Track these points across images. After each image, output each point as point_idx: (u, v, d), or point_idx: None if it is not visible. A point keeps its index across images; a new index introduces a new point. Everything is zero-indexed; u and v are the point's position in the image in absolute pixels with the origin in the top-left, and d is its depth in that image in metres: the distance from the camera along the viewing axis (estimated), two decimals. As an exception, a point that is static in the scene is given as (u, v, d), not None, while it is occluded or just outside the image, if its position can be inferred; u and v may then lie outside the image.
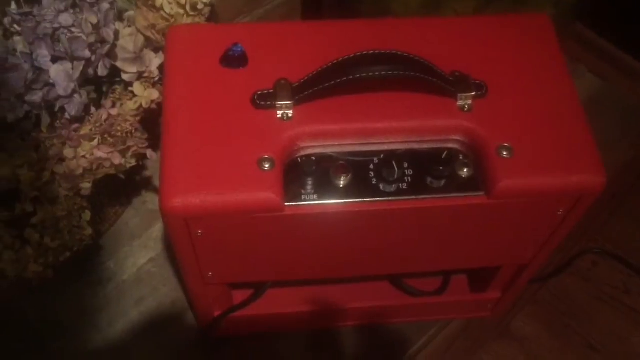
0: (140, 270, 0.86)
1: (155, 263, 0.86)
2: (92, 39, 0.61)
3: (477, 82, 0.57)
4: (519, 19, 0.63)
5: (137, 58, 0.68)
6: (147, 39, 0.69)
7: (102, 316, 0.82)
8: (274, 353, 0.81)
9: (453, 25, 0.63)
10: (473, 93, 0.57)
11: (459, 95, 0.57)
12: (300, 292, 0.76)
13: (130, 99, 0.68)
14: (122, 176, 0.68)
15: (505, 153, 0.55)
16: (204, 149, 0.54)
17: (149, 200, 0.91)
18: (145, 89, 0.67)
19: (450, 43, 0.61)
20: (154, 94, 0.67)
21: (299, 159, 0.56)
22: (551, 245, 0.64)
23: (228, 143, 0.54)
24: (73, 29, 0.60)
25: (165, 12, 0.67)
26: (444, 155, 0.56)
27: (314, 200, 0.54)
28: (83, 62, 0.60)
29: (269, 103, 0.56)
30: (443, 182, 0.56)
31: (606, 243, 1.03)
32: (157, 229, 0.89)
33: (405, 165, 0.56)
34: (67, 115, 0.62)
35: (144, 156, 0.69)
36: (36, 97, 0.59)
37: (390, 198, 0.55)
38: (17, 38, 0.61)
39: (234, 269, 0.62)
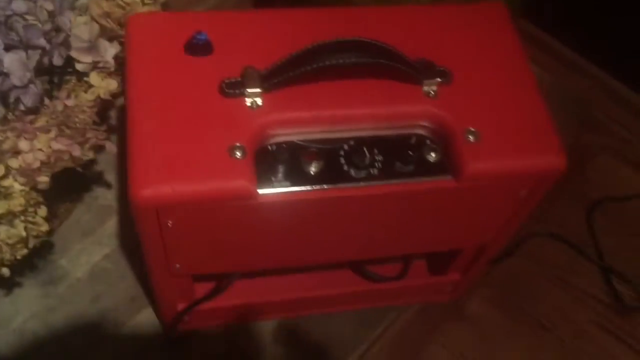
0: (95, 267, 0.83)
1: (110, 259, 0.84)
2: (47, 27, 0.58)
3: (442, 68, 0.58)
4: (476, 7, 0.65)
5: (92, 47, 0.66)
6: (101, 27, 0.67)
7: (57, 316, 0.79)
8: (238, 346, 0.80)
9: (414, 14, 0.64)
10: (438, 79, 0.58)
11: (425, 81, 0.58)
12: (264, 283, 0.76)
13: (86, 90, 0.66)
14: (79, 169, 0.65)
15: (471, 137, 0.56)
16: (172, 138, 0.52)
17: (101, 196, 0.89)
18: (103, 79, 0.65)
19: (412, 31, 0.62)
20: (112, 84, 0.65)
21: (269, 147, 0.55)
22: (512, 226, 0.66)
23: (197, 132, 0.53)
24: (27, 17, 0.57)
25: (121, 0, 0.65)
26: (412, 141, 0.57)
27: (286, 187, 0.54)
28: (39, 51, 0.58)
29: (237, 91, 0.55)
30: (412, 167, 0.57)
31: (551, 227, 1.07)
32: (111, 225, 0.86)
33: (375, 151, 0.56)
34: (21, 107, 0.59)
35: (103, 148, 0.66)
36: (-12, 87, 0.57)
37: (361, 184, 0.56)
38: (-35, 26, 0.58)
39: (203, 260, 0.61)
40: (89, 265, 0.83)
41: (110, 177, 0.89)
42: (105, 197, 0.88)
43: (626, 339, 0.96)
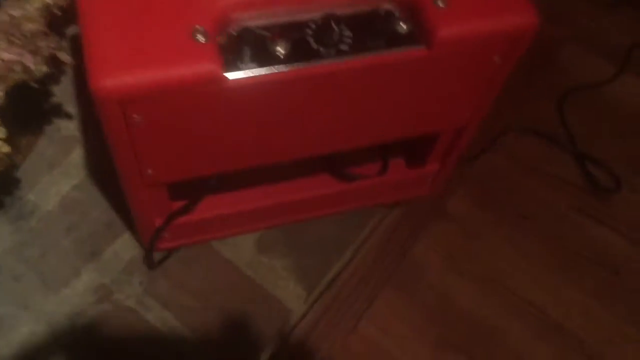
0: (65, 199, 0.80)
1: (80, 189, 0.81)
2: None
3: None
4: None
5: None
6: None
7: (32, 251, 0.76)
8: (221, 259, 0.79)
9: None
10: (401, -53, 0.55)
11: (388, -49, 0.55)
12: (241, 194, 0.74)
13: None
14: (35, 85, 0.62)
15: (440, 3, 0.54)
16: (131, 25, 0.49)
17: (63, 127, 0.85)
18: (48, -14, 0.61)
19: None
20: (59, -7, 0.61)
21: (233, 32, 0.53)
22: (487, 101, 0.65)
23: (157, 17, 0.50)
24: None
25: None
26: (381, 14, 0.55)
27: (254, 69, 0.52)
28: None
29: (194, -26, 0.52)
30: (383, 40, 0.55)
31: (524, 121, 1.06)
32: (77, 155, 0.83)
33: (344, 27, 0.54)
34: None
35: (58, 62, 0.63)
36: None
37: (332, 60, 0.53)
38: None
39: (175, 163, 0.59)
40: (59, 197, 0.80)
41: (70, 108, 0.86)
42: (67, 128, 0.85)
43: (604, 220, 0.97)
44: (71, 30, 0.71)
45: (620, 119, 1.09)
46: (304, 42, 0.54)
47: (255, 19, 0.54)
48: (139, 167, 0.58)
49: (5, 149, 0.61)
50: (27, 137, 0.81)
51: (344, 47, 0.54)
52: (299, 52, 0.53)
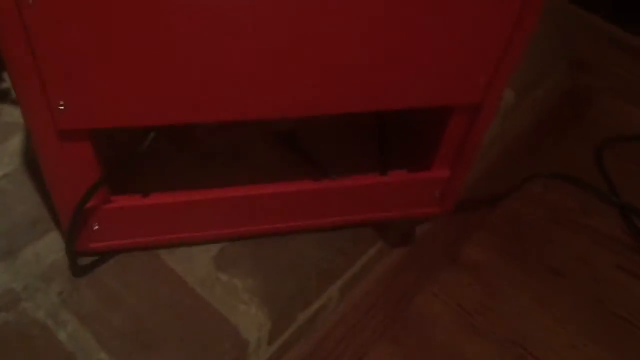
0: (-10, 188, 0.66)
1: (10, 179, 0.67)
2: None
3: None
4: None
5: None
6: None
7: None
8: (167, 272, 0.62)
9: None
10: None
11: None
12: (199, 185, 0.59)
13: None
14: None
15: None
16: None
17: (6, 113, 0.72)
18: None
19: None
20: None
21: None
22: (504, 68, 0.50)
23: None
24: None
25: None
26: None
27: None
28: None
29: None
30: None
31: (555, 167, 0.91)
32: (15, 142, 0.70)
33: None
34: None
35: None
36: None
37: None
38: None
39: (94, 94, 0.45)
40: (-18, 186, 0.66)
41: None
42: (11, 114, 0.72)
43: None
44: None
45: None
46: None
47: None
48: (47, 97, 0.44)
49: None
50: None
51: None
52: None
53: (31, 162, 0.68)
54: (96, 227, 0.57)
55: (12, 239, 0.62)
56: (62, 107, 0.45)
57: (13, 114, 0.72)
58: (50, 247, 0.62)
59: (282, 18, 0.44)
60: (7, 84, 0.74)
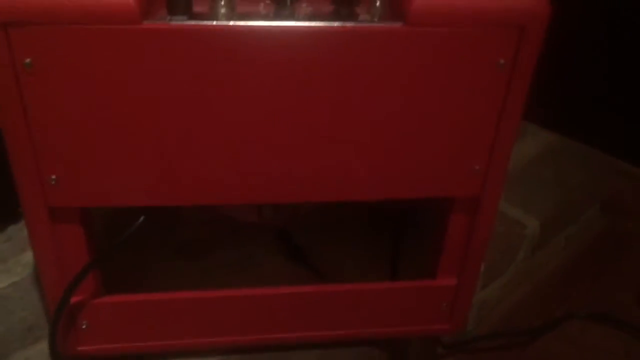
0: (-5, 295, 0.66)
1: (16, 287, 0.67)
2: None
3: None
4: None
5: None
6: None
7: None
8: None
9: None
10: None
11: None
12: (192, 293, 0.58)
13: None
14: None
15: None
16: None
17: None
18: None
19: None
20: None
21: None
22: (504, 146, 0.50)
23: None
24: None
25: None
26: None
27: (182, 20, 0.42)
28: None
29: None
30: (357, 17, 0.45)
31: (594, 308, 0.85)
32: (30, 255, 0.71)
33: (303, -1, 0.45)
34: None
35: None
36: None
37: (282, 23, 0.43)
38: None
39: (85, 170, 0.46)
40: (-12, 293, 0.66)
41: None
42: (31, 229, 0.74)
43: None
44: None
45: None
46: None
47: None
48: (39, 169, 0.46)
49: None
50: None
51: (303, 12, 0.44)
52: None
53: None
54: (85, 325, 0.55)
55: (4, 343, 0.61)
56: (54, 182, 0.47)
57: (34, 230, 0.74)
58: (42, 354, 0.60)
59: (283, 111, 0.46)
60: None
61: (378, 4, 0.45)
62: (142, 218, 0.51)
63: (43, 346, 0.61)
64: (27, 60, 0.41)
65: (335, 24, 0.43)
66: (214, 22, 0.42)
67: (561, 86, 1.02)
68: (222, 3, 0.43)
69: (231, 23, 0.42)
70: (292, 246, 0.67)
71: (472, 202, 0.54)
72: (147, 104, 0.44)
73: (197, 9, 0.43)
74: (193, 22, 0.42)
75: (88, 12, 0.40)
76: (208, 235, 0.69)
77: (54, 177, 0.47)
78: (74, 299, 0.54)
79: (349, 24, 0.43)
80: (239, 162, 0.48)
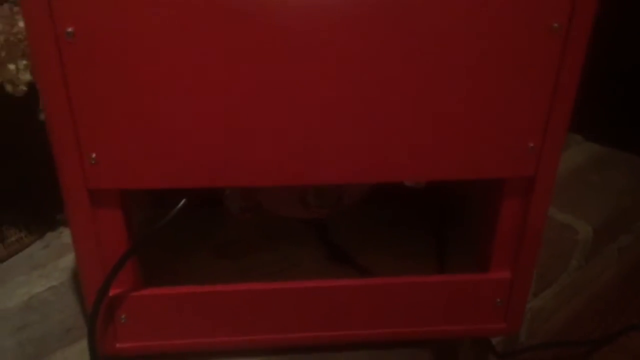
0: (33, 299, 0.65)
1: (54, 291, 0.66)
2: None
3: None
4: None
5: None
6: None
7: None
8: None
9: None
10: None
11: None
12: (235, 286, 0.56)
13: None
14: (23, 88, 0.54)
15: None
16: None
17: (66, 235, 0.74)
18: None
19: None
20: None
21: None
22: (560, 120, 0.47)
23: None
24: None
25: None
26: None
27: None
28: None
29: None
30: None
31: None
32: (68, 260, 0.70)
33: None
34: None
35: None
36: None
37: None
38: None
39: (126, 149, 0.45)
40: (27, 297, 0.65)
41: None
42: (69, 236, 0.73)
43: None
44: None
45: None
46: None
47: None
48: (80, 148, 0.45)
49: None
50: (20, 234, 0.70)
51: None
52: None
53: (78, 277, 0.67)
54: (124, 318, 0.54)
55: (43, 345, 0.59)
56: (94, 161, 0.46)
57: (72, 236, 0.74)
58: (80, 354, 0.58)
59: (327, 85, 0.44)
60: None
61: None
62: (183, 201, 0.49)
63: (81, 347, 0.59)
64: (69, 29, 0.41)
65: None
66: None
67: (598, 97, 0.99)
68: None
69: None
70: (331, 245, 0.65)
71: (525, 184, 0.51)
72: (193, 79, 0.43)
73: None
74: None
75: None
76: (247, 236, 0.67)
77: (94, 155, 0.46)
78: (113, 291, 0.52)
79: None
80: (285, 142, 0.46)
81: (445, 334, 0.58)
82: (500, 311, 0.57)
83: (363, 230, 0.68)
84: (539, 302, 0.77)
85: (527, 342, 0.74)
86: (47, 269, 0.69)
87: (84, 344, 0.59)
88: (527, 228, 0.53)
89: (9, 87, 0.54)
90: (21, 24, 0.55)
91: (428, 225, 0.68)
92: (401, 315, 0.57)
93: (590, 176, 0.89)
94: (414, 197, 0.69)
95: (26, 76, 0.55)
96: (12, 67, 0.53)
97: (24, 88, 0.56)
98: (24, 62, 0.55)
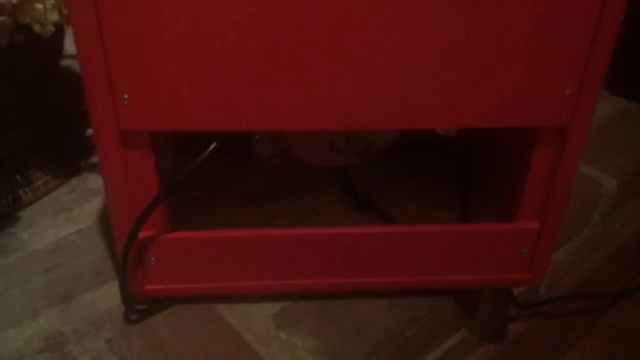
0: (61, 241, 0.66)
1: (82, 234, 0.67)
2: None
3: None
4: None
5: None
6: None
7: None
8: (223, 325, 0.56)
9: None
10: None
11: None
12: (262, 230, 0.56)
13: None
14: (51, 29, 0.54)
15: None
16: None
17: (91, 180, 0.74)
18: None
19: None
20: None
21: None
22: (592, 92, 0.46)
23: None
24: None
25: None
26: None
27: None
28: None
29: None
30: None
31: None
32: (94, 204, 0.71)
33: None
34: None
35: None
36: None
37: None
38: None
39: (158, 90, 0.45)
40: (55, 239, 0.66)
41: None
42: (95, 181, 0.74)
43: None
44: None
45: None
46: None
47: None
48: (112, 88, 0.45)
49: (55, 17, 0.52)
50: (46, 177, 0.71)
51: None
52: None
53: (105, 221, 0.68)
54: (153, 260, 0.54)
55: (72, 285, 0.60)
56: (126, 102, 0.45)
57: (97, 181, 0.74)
58: (108, 295, 0.59)
59: (358, 30, 0.43)
60: (96, 158, 0.77)
61: None
62: (213, 145, 0.49)
63: (109, 288, 0.60)
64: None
65: None
66: None
67: (626, 52, 0.97)
68: None
69: None
70: (357, 193, 0.65)
71: (558, 134, 0.50)
72: (224, 20, 0.42)
73: None
74: None
75: None
76: (273, 184, 0.67)
77: (126, 96, 0.45)
78: (142, 234, 0.53)
79: None
80: (315, 86, 0.46)
81: (469, 283, 0.59)
82: (525, 262, 0.58)
83: (388, 179, 0.68)
84: (560, 255, 0.77)
85: (547, 294, 0.75)
86: (73, 212, 0.69)
87: (112, 286, 0.60)
88: (558, 179, 0.53)
89: (36, 27, 0.53)
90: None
91: (453, 175, 0.68)
92: (425, 263, 0.57)
93: (615, 131, 0.88)
94: (439, 147, 0.69)
95: (53, 16, 0.55)
96: (39, 6, 0.53)
97: (52, 28, 0.55)
98: (52, 1, 0.54)
